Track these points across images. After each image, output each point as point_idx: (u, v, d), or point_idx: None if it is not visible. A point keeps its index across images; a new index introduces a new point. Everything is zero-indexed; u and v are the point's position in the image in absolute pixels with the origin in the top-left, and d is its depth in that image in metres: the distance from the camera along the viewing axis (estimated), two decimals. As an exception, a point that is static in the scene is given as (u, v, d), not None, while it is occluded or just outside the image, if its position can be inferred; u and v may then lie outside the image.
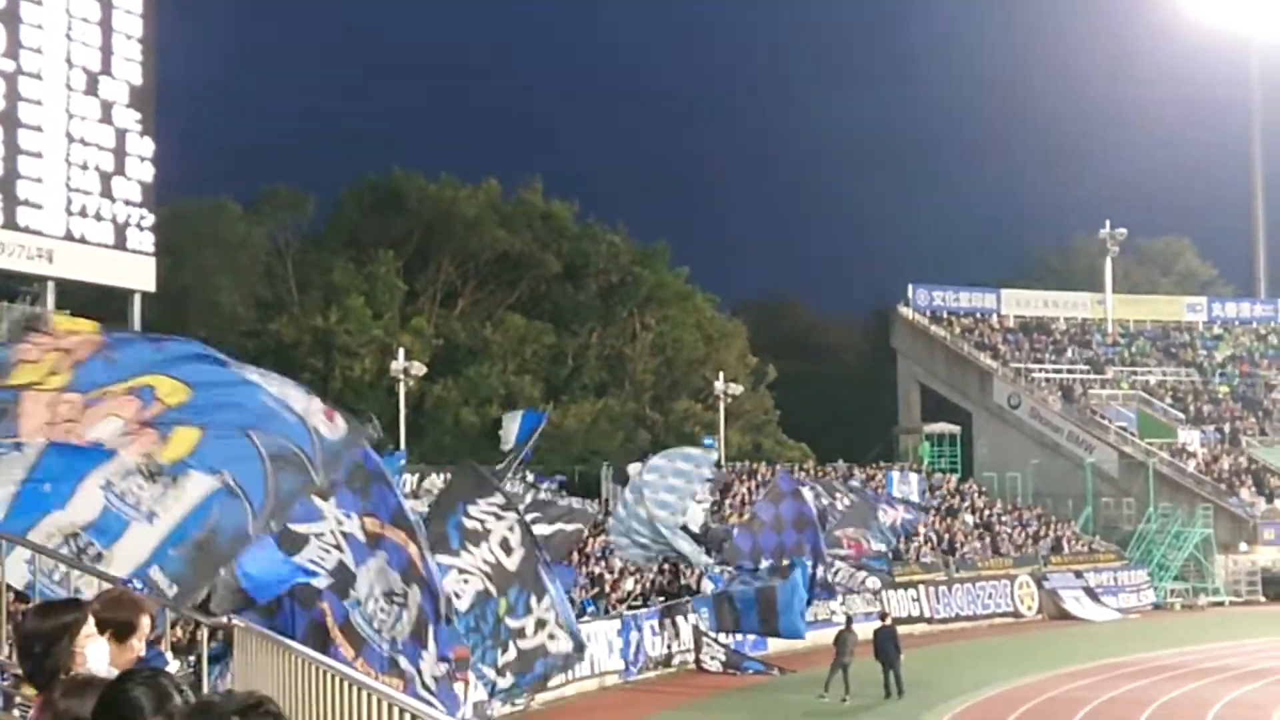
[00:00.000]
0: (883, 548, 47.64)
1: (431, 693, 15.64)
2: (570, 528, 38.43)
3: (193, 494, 12.09)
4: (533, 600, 21.32)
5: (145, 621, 7.47)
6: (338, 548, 15.22)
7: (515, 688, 21.91)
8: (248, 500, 11.79)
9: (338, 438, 12.07)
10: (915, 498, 67.81)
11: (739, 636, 43.82)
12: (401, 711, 6.55)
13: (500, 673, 20.95)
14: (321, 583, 15.25)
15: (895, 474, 69.97)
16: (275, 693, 9.15)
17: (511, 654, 21.02)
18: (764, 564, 42.07)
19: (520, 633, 21.18)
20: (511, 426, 47.85)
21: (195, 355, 12.99)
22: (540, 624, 21.36)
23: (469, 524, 21.44)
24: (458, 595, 20.04)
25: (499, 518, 21.40)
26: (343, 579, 15.30)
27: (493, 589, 20.50)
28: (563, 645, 21.78)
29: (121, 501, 12.14)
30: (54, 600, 7.51)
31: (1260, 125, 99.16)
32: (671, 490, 42.15)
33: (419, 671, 15.53)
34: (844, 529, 46.08)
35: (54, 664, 6.41)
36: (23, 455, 12.10)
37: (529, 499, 36.94)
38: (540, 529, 34.13)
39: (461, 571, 20.35)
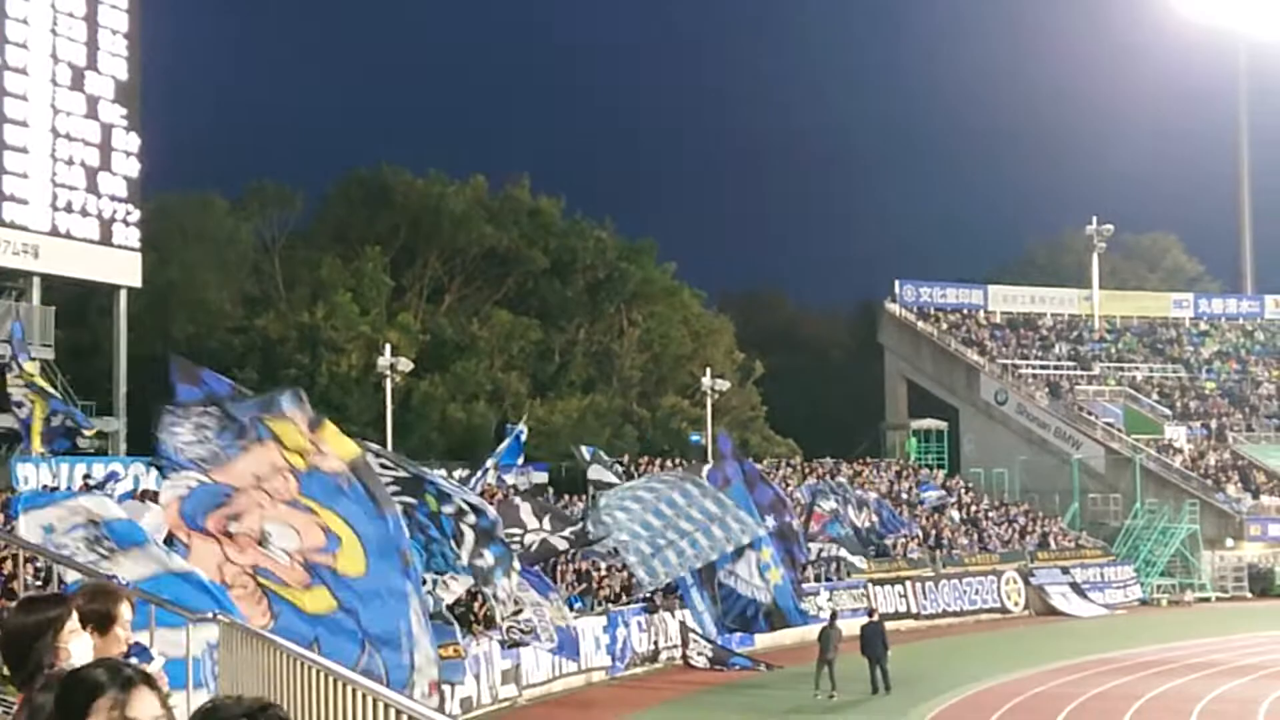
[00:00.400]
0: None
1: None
2: (561, 545, 38.58)
3: None
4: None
5: (124, 610, 7.45)
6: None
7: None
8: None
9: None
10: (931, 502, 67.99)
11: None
12: (387, 707, 6.51)
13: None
14: None
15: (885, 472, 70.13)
16: (261, 690, 9.13)
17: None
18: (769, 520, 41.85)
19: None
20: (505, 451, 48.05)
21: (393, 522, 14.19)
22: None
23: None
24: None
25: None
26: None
27: (412, 498, 20.58)
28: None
29: None
30: (37, 595, 7.47)
31: (1247, 122, 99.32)
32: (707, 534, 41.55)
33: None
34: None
35: (37, 660, 6.38)
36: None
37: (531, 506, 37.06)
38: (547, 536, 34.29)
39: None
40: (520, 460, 47.94)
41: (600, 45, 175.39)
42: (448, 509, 20.54)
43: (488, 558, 21.17)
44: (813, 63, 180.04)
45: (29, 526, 13.39)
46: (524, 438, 47.44)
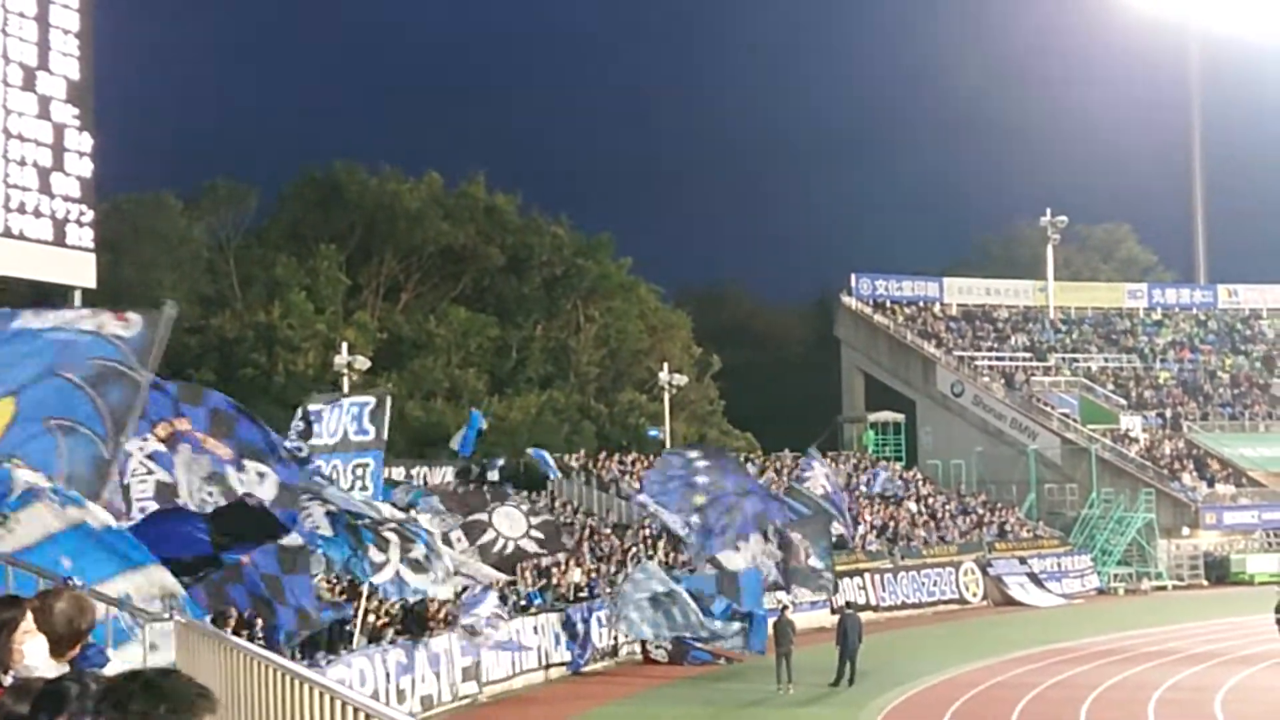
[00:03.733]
0: (821, 566, 47.10)
1: None
2: (541, 552, 38.80)
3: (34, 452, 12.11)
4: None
5: (91, 619, 7.41)
6: (149, 472, 15.48)
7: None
8: (86, 428, 11.82)
9: (138, 331, 12.14)
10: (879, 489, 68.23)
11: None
12: (345, 705, 6.51)
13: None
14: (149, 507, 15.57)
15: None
16: (217, 690, 9.10)
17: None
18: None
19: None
20: (462, 439, 48.11)
21: None
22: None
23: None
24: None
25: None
26: (164, 493, 15.56)
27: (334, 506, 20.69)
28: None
29: None
30: (-8, 598, 7.43)
31: (1199, 112, 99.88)
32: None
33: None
34: (796, 531, 45.89)
35: (-9, 661, 6.37)
36: None
37: (539, 519, 37.22)
38: (530, 545, 34.38)
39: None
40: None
41: (555, 40, 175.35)
42: (361, 521, 20.93)
43: (417, 550, 21.64)
44: (766, 58, 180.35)
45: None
46: (483, 425, 47.55)
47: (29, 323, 12.71)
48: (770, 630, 38.40)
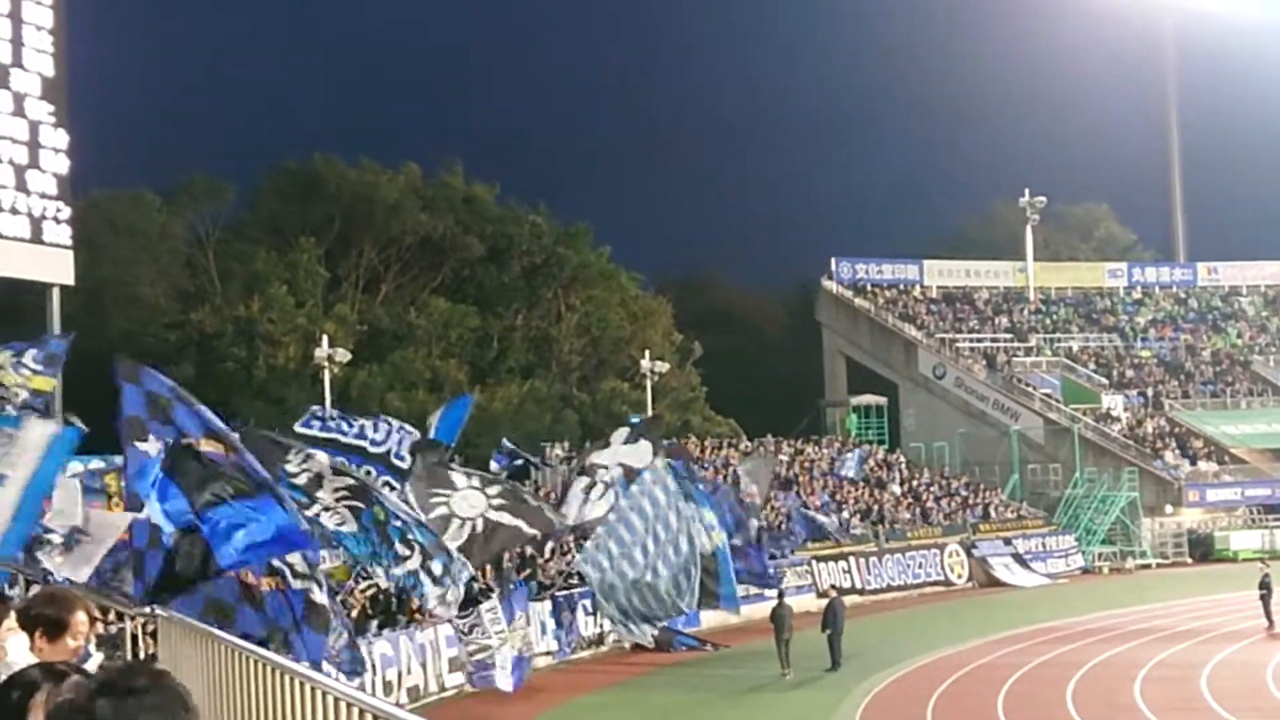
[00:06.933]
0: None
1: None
2: (529, 530, 38.34)
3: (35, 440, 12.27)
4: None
5: (78, 619, 7.35)
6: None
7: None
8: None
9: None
10: (852, 472, 68.22)
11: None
12: (325, 695, 6.48)
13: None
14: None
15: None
16: (202, 683, 9.07)
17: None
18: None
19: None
20: (440, 419, 47.76)
21: None
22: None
23: (300, 480, 21.80)
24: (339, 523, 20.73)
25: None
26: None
27: (360, 503, 20.88)
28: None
29: None
30: (-31, 596, 7.41)
31: (1175, 90, 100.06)
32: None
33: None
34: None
35: (-28, 658, 6.34)
36: None
37: (496, 488, 36.83)
38: (502, 516, 34.09)
39: (326, 509, 20.60)
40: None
41: (529, 28, 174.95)
42: (395, 523, 21.17)
43: (435, 568, 21.81)
44: (741, 42, 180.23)
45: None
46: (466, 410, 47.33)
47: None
48: (769, 618, 38.36)
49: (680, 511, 37.86)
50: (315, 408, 34.08)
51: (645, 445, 43.50)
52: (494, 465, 50.31)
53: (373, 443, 30.43)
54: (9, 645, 6.57)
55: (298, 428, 29.57)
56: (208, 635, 9.44)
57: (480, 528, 34.75)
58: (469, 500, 35.52)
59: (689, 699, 34.96)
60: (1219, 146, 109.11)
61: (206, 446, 15.81)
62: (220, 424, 16.30)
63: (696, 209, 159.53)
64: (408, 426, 32.40)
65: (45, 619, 7.07)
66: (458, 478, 31.45)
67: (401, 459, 30.73)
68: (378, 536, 21.18)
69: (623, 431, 43.87)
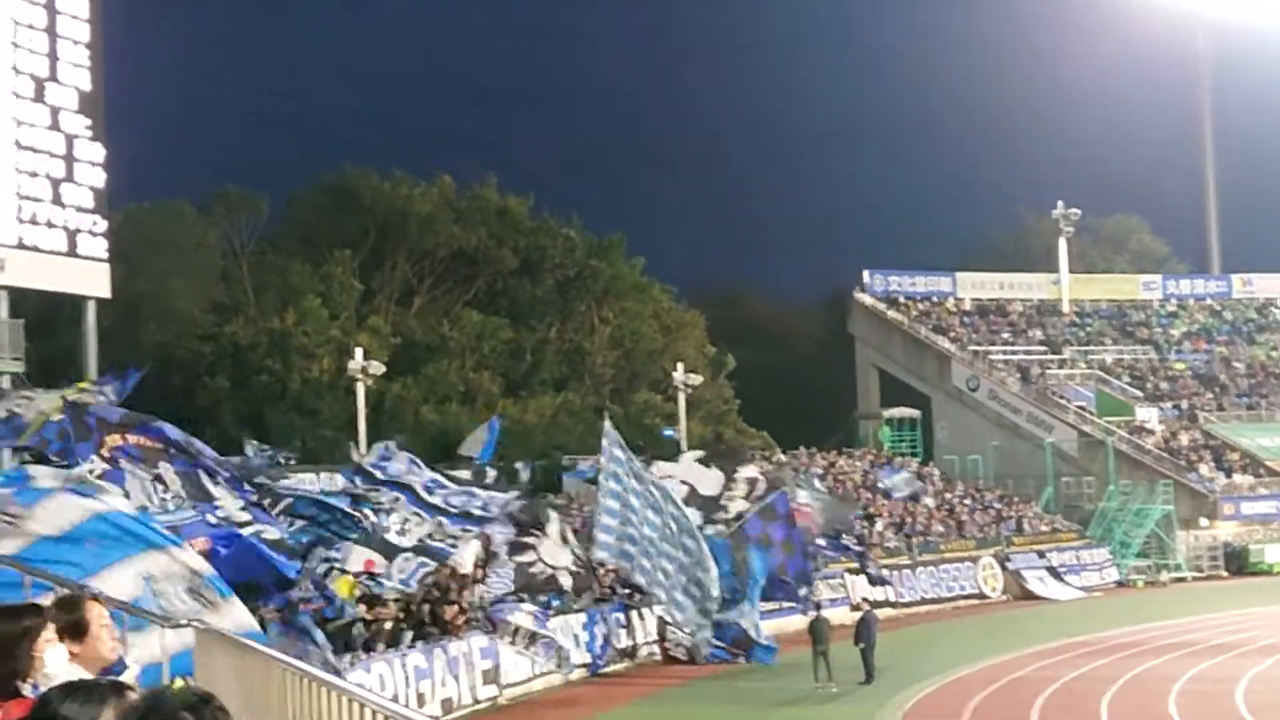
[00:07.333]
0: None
1: None
2: (566, 584, 39.23)
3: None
4: None
5: (94, 612, 7.41)
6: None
7: None
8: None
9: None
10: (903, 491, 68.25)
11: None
12: (363, 707, 6.52)
13: None
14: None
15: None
16: (238, 695, 9.11)
17: None
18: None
19: None
20: (478, 439, 48.27)
21: None
22: None
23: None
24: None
25: None
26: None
27: None
28: None
29: None
30: (12, 605, 7.46)
31: (1209, 102, 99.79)
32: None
33: None
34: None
35: (13, 670, 6.37)
36: None
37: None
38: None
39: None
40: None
41: (564, 42, 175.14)
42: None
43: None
44: (776, 57, 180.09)
45: (125, 577, 13.49)
46: (496, 429, 47.87)
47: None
48: (807, 630, 38.40)
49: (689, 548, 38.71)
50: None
51: (717, 474, 44.27)
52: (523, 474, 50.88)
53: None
54: (47, 657, 6.61)
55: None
56: (245, 648, 9.49)
57: (545, 576, 36.43)
58: (555, 552, 37.20)
59: (721, 712, 34.94)
60: (1253, 158, 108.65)
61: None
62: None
63: (729, 221, 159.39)
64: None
65: (66, 626, 7.12)
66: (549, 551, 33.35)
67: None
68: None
69: (696, 452, 45.16)
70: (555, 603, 40.28)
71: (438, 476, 38.88)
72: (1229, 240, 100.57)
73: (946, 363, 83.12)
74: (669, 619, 42.26)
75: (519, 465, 53.66)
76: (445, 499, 35.71)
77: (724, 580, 41.13)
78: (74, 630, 7.15)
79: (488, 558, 38.03)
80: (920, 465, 75.86)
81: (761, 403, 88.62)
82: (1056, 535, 67.44)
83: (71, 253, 44.30)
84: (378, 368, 56.45)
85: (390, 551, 33.45)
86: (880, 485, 68.14)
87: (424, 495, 34.42)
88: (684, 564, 40.07)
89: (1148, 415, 79.62)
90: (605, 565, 41.68)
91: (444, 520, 33.16)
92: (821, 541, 49.57)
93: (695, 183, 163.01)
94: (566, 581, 39.19)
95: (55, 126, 43.79)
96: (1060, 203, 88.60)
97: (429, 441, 66.14)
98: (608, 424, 41.87)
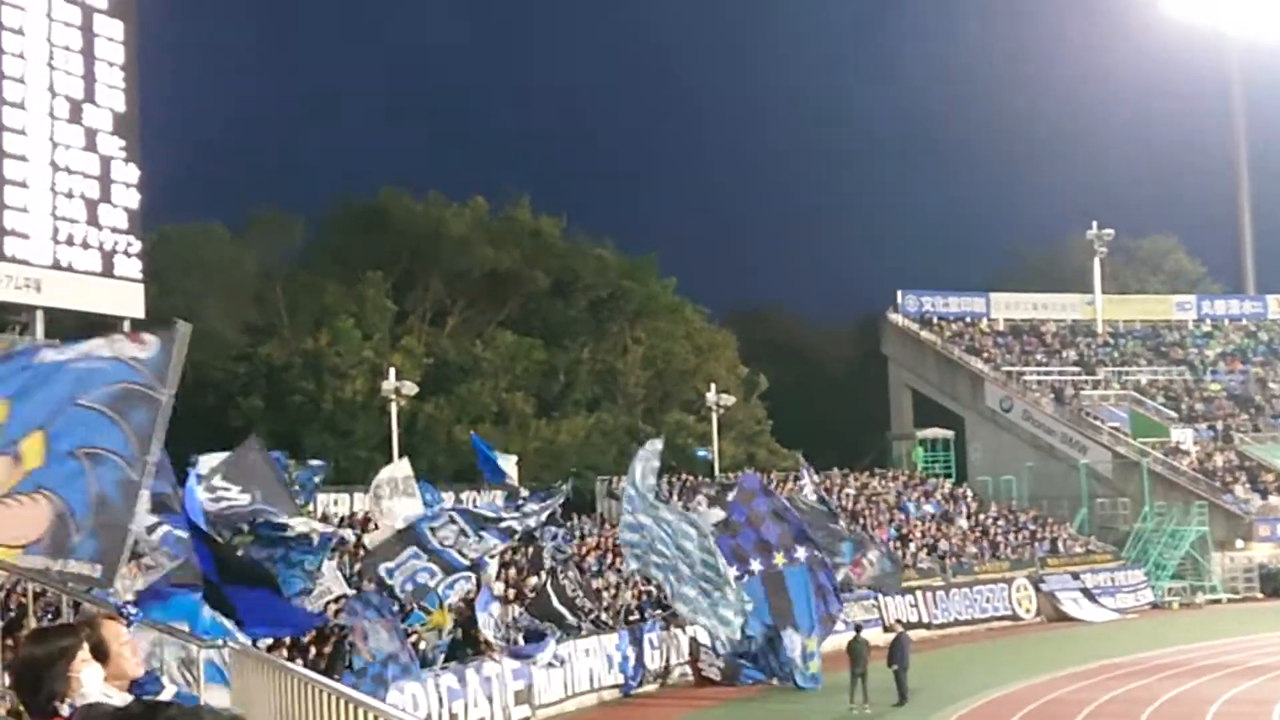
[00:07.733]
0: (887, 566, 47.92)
1: None
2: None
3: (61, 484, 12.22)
4: None
5: (111, 631, 7.40)
6: None
7: None
8: (111, 453, 11.86)
9: (155, 351, 12.15)
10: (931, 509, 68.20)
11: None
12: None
13: None
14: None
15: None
16: (274, 716, 9.11)
17: None
18: (755, 564, 42.12)
19: None
20: (506, 467, 48.32)
21: None
22: None
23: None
24: None
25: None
26: None
27: None
28: None
29: None
30: (49, 626, 7.48)
31: (1243, 122, 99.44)
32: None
33: None
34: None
35: (50, 690, 6.39)
36: None
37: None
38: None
39: None
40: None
41: (597, 61, 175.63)
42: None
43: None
44: (808, 75, 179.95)
45: None
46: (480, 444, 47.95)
47: (50, 356, 12.79)
48: (846, 650, 38.30)
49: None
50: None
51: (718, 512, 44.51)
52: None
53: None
54: (84, 676, 6.62)
55: None
56: (278, 668, 9.48)
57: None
58: None
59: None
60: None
61: None
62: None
63: (761, 241, 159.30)
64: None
65: (90, 643, 7.12)
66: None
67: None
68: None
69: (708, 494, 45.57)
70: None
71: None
72: (1263, 261, 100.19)
73: (980, 383, 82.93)
74: (702, 640, 42.21)
75: (558, 483, 53.68)
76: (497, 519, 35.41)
77: (758, 622, 41.22)
78: (95, 652, 7.14)
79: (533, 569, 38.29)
80: (954, 486, 75.70)
81: (794, 423, 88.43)
82: (1091, 557, 67.23)
83: (107, 273, 44.49)
84: (411, 388, 56.51)
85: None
86: (919, 511, 68.03)
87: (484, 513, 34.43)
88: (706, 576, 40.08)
89: (1182, 436, 79.32)
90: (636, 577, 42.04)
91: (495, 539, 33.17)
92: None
93: (728, 203, 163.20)
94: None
95: (91, 148, 44.00)
96: (1094, 223, 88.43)
97: (462, 462, 66.24)
98: (657, 444, 42.13)
